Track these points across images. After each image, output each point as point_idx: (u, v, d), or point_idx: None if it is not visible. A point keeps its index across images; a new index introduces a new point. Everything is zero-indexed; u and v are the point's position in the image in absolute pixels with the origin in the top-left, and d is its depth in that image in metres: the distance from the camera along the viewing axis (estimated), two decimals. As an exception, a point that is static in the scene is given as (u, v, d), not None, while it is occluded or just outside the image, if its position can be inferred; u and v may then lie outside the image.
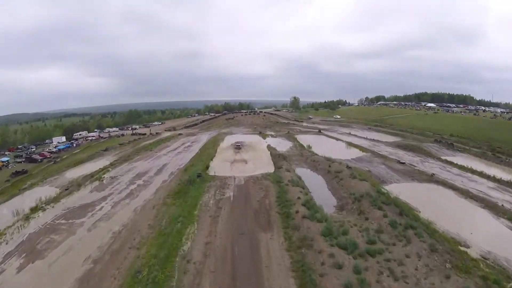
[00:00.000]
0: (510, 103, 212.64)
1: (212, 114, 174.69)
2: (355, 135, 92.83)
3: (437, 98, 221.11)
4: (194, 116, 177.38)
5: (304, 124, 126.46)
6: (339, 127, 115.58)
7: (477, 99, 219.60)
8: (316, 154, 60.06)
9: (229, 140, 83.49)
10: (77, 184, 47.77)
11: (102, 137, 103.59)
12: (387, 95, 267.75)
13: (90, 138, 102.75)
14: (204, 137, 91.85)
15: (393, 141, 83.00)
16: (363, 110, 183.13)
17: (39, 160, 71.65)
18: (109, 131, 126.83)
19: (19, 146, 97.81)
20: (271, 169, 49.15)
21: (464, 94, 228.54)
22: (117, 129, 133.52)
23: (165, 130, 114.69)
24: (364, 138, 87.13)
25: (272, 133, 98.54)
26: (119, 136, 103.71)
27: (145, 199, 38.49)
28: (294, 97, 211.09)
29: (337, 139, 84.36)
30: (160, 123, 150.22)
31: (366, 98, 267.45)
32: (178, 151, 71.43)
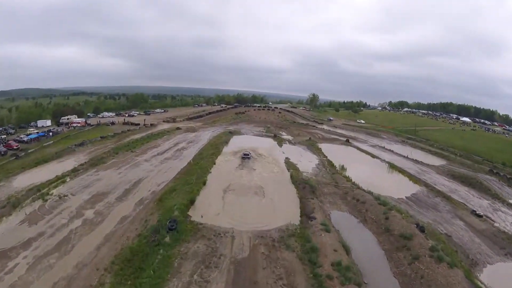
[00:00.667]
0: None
1: (223, 105, 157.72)
2: (391, 150, 75.10)
3: (463, 110, 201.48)
4: (201, 106, 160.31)
5: (325, 127, 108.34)
6: (367, 136, 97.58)
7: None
8: (357, 186, 42.12)
9: (235, 144, 66.71)
10: (13, 203, 33.25)
11: (89, 124, 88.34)
12: (405, 100, 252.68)
13: (74, 125, 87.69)
14: (205, 136, 75.26)
15: (439, 164, 66.40)
16: (388, 117, 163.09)
17: (2, 153, 56.77)
18: (103, 116, 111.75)
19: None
20: (294, 215, 31.88)
21: (492, 109, 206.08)
22: (113, 114, 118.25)
23: (164, 121, 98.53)
24: (404, 157, 69.21)
25: (290, 137, 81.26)
26: (109, 125, 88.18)
27: (76, 262, 22.55)
28: (313, 94, 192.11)
29: (372, 156, 66.54)
30: (163, 110, 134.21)
31: (390, 102, 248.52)
32: (166, 156, 55.04)
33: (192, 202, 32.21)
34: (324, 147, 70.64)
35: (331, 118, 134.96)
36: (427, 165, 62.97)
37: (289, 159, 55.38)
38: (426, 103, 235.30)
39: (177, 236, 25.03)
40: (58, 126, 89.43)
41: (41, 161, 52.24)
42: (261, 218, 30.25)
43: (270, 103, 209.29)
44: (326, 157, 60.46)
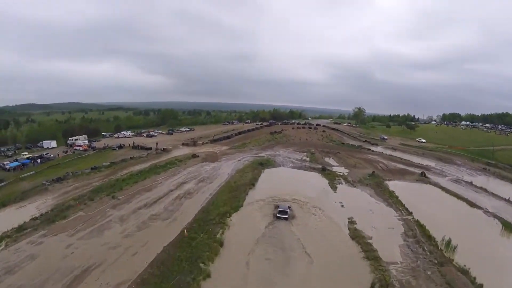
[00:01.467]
0: None
1: (258, 123, 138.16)
2: (484, 189, 51.10)
3: None
4: (232, 123, 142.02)
5: (383, 150, 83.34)
6: (438, 162, 72.31)
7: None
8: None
9: (266, 184, 45.69)
10: None
11: (93, 148, 73.15)
12: (448, 111, 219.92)
13: (77, 148, 73.08)
14: (226, 169, 55.02)
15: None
16: (449, 133, 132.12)
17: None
18: (118, 136, 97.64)
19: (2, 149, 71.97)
20: None
21: None
22: (131, 133, 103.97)
23: (182, 144, 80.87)
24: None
25: (343, 169, 58.23)
26: (115, 149, 72.19)
27: None
28: (359, 108, 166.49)
29: (469, 203, 42.85)
30: (188, 129, 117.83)
31: (443, 115, 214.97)
32: (154, 210, 34.94)
33: None
34: (396, 187, 47.16)
35: (385, 137, 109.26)
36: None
37: (354, 222, 32.99)
38: (479, 114, 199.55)
39: None
40: (67, 147, 76.19)
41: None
42: None
43: (309, 118, 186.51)
44: (411, 213, 37.03)
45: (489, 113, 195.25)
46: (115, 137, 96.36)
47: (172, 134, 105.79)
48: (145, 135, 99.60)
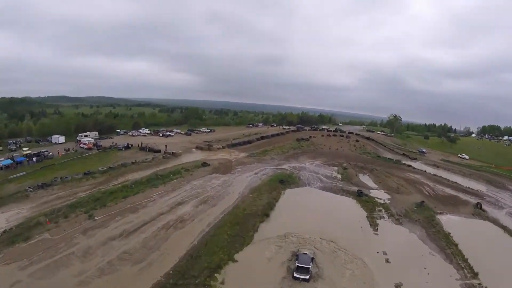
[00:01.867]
0: None
1: (284, 127, 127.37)
2: None
3: None
4: (257, 126, 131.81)
5: (425, 167, 70.07)
6: (489, 187, 58.74)
7: None
8: None
9: (284, 212, 35.87)
10: None
11: (98, 147, 66.66)
12: (484, 123, 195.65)
13: (82, 146, 67.05)
14: (239, 184, 45.44)
15: None
16: (494, 149, 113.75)
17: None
18: (132, 134, 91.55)
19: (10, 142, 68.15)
20: None
21: None
22: (148, 132, 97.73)
23: (197, 147, 72.62)
24: None
25: (383, 193, 46.53)
26: (121, 149, 65.21)
27: None
28: (395, 116, 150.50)
29: None
30: (208, 130, 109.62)
31: (483, 127, 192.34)
32: (127, 246, 25.79)
33: None
34: (452, 226, 35.55)
35: (424, 150, 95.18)
36: None
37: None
38: None
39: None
40: (76, 143, 70.86)
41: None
42: None
43: (340, 124, 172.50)
44: (476, 274, 25.73)
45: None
46: (129, 135, 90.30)
47: (190, 134, 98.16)
48: (161, 135, 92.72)
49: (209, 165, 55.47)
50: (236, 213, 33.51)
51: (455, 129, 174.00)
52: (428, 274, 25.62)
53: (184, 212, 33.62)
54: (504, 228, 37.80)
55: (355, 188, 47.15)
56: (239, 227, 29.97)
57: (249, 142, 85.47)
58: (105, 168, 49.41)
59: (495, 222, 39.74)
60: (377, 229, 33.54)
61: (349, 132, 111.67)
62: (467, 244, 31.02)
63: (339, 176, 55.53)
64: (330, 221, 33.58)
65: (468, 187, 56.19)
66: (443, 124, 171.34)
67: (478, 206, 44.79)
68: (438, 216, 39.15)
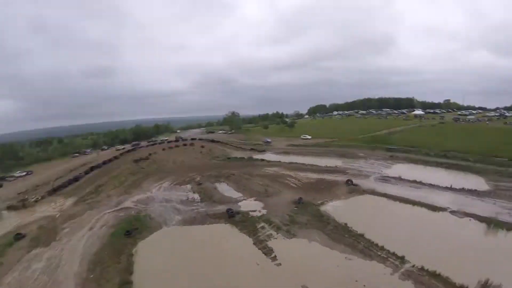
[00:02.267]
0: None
1: (119, 147, 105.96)
2: (420, 182, 45.57)
3: (384, 103, 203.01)
4: (85, 153, 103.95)
5: (280, 159, 72.23)
6: (345, 160, 66.12)
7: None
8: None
9: (151, 277, 24.20)
10: None
11: None
12: (307, 106, 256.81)
13: None
14: (70, 267, 27.54)
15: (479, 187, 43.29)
16: (329, 124, 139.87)
17: None
18: None
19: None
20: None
21: (412, 97, 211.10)
22: None
23: (8, 209, 46.91)
24: (452, 189, 40.73)
25: (253, 203, 41.11)
26: None
27: None
28: (233, 113, 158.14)
29: (438, 209, 34.48)
30: (24, 173, 75.20)
31: (310, 108, 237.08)
32: None
33: None
34: (342, 215, 33.99)
35: (269, 140, 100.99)
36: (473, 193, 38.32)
37: None
38: (343, 102, 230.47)
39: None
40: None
41: None
42: None
43: (178, 131, 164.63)
44: (402, 257, 24.12)
45: (350, 100, 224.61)
46: None
47: (1, 186, 65.12)
48: None
49: (24, 236, 34.66)
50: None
51: (287, 115, 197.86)
52: (364, 286, 21.09)
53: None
54: (385, 195, 39.72)
55: (222, 208, 39.13)
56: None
57: (75, 179, 63.34)
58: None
59: (374, 192, 41.50)
60: (274, 256, 26.47)
61: (192, 139, 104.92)
62: (369, 229, 29.10)
63: (197, 196, 46.36)
64: (215, 269, 24.27)
65: (326, 165, 59.50)
66: (275, 112, 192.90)
67: (349, 183, 46.31)
68: (322, 208, 37.04)
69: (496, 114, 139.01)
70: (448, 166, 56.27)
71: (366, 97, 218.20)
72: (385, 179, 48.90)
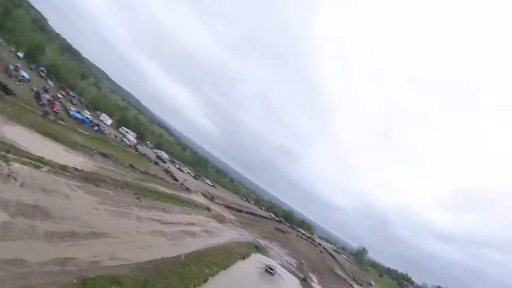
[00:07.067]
0: None
1: (272, 214, 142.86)
2: None
3: None
4: (249, 201, 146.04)
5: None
6: None
7: None
8: None
9: (253, 264, 49.85)
10: None
11: (136, 150, 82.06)
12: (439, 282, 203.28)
13: (125, 140, 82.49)
14: (228, 234, 59.46)
15: None
16: None
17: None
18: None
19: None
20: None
21: None
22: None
23: (202, 193, 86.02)
24: None
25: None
26: (151, 162, 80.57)
27: None
28: (363, 248, 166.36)
29: None
30: (212, 184, 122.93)
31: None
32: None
33: None
34: None
35: (372, 283, 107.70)
36: None
37: None
38: None
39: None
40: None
41: None
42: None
43: (315, 235, 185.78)
44: None
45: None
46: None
47: (197, 179, 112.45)
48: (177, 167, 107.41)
49: (210, 211, 69.87)
50: (226, 250, 47.57)
51: (413, 281, 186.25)
52: None
53: (194, 230, 47.94)
54: None
55: (302, 276, 60.76)
56: (226, 255, 44.06)
57: (240, 210, 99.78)
58: (142, 170, 64.28)
59: None
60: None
61: (319, 243, 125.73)
62: None
63: (295, 265, 69.07)
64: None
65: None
66: (404, 273, 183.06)
67: None
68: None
69: None
70: None
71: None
72: None
